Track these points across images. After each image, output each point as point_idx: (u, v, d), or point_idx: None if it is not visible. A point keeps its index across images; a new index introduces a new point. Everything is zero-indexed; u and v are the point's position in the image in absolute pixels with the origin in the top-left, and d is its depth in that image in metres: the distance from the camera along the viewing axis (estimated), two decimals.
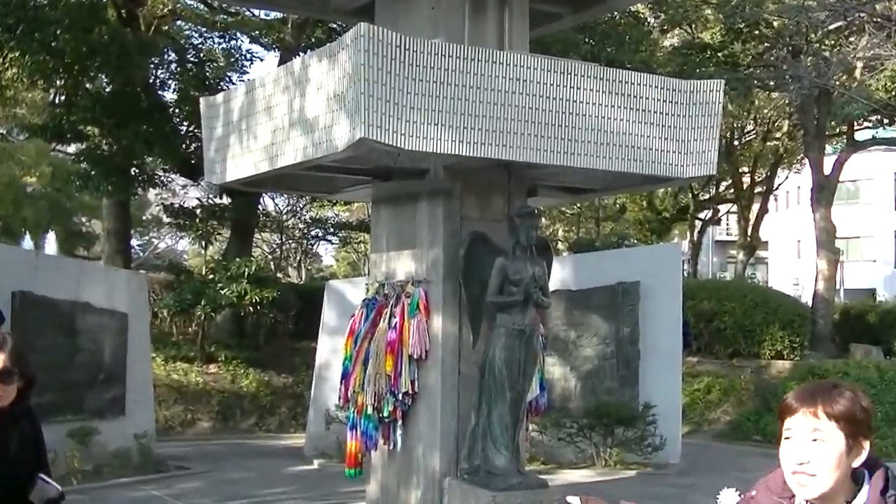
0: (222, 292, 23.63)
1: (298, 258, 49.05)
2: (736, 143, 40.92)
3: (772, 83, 29.65)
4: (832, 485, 3.11)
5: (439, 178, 10.56)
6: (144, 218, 52.74)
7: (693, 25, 31.67)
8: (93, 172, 23.74)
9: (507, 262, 10.12)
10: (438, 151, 9.01)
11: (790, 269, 60.91)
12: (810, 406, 3.15)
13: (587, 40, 24.87)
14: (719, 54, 29.20)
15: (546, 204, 20.44)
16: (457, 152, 9.06)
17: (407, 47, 8.80)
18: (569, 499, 3.62)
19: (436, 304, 10.52)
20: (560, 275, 18.08)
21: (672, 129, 10.09)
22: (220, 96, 11.72)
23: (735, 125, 39.67)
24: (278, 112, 10.07)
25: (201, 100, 12.11)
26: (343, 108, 8.86)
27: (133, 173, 25.83)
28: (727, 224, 68.42)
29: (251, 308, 24.53)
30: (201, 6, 28.42)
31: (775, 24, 28.64)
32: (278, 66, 25.45)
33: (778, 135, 39.99)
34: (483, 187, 10.67)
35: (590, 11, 13.15)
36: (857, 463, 3.13)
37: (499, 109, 9.16)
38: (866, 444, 3.14)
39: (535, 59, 9.49)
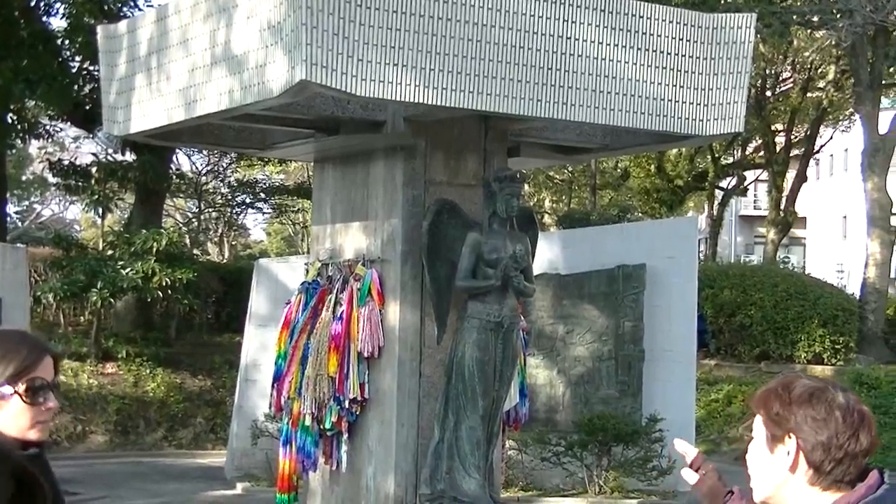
0: (124, 273, 23.57)
1: (220, 231, 48.99)
2: (769, 93, 41.13)
3: (815, 18, 29.78)
4: (769, 487, 3.40)
5: (399, 132, 10.62)
6: (24, 178, 52.58)
7: None
8: None
9: (481, 238, 10.19)
10: (398, 98, 9.05)
11: (833, 252, 61.34)
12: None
13: None
14: None
15: (531, 166, 20.53)
16: (421, 100, 9.10)
17: None
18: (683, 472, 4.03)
19: (392, 290, 10.59)
20: (547, 255, 18.15)
21: (690, 74, 10.17)
22: (122, 25, 11.72)
23: (768, 71, 39.88)
24: (197, 46, 10.07)
25: (99, 29, 12.09)
26: (279, 42, 8.88)
27: (10, 121, 25.69)
28: (755, 195, 68.86)
29: (160, 293, 24.49)
30: None
31: None
32: None
33: (821, 84, 40.18)
34: (453, 144, 10.73)
35: None
36: (786, 459, 3.34)
37: (473, 47, 9.21)
38: (791, 438, 3.35)
39: None
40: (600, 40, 9.73)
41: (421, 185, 10.57)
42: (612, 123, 9.95)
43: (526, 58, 9.41)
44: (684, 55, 10.08)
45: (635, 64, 9.88)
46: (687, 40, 10.11)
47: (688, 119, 10.19)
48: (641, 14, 9.95)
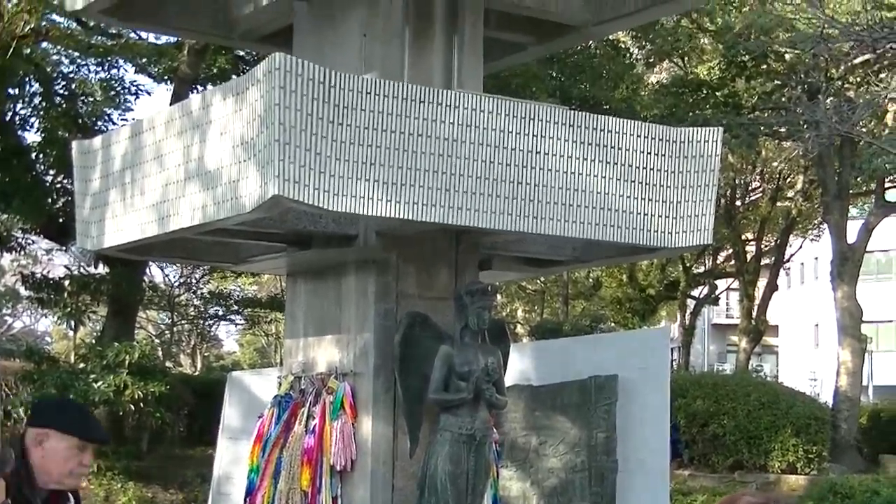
0: (95, 386, 23.48)
1: (193, 342, 48.91)
2: (738, 203, 41.48)
3: (783, 130, 30.18)
4: None
5: (371, 246, 10.65)
6: None
7: (686, 58, 32.26)
8: None
9: (453, 351, 10.21)
10: (369, 213, 9.10)
11: (806, 361, 61.48)
12: None
13: (555, 74, 25.25)
14: (718, 94, 29.79)
15: (503, 279, 20.60)
16: (392, 214, 9.16)
17: (332, 84, 8.92)
18: None
19: (365, 403, 10.57)
20: (519, 366, 18.10)
21: (658, 187, 10.27)
22: (97, 140, 11.75)
23: (738, 181, 40.29)
24: (171, 161, 10.13)
25: (74, 144, 12.12)
26: (252, 157, 8.95)
27: None
28: (727, 304, 69.13)
29: (132, 405, 24.39)
30: (74, 25, 28.43)
31: (787, 57, 29.26)
32: (171, 102, 25.59)
33: (790, 193, 40.62)
34: (425, 258, 10.78)
35: (558, 42, 13.37)
36: None
37: (445, 162, 9.30)
38: None
39: (491, 101, 9.65)
40: (569, 155, 9.85)
41: (393, 299, 10.60)
42: (581, 236, 10.02)
43: (496, 172, 9.51)
44: (652, 168, 10.20)
45: (604, 177, 9.99)
46: (655, 154, 10.23)
47: (656, 231, 10.28)
48: (609, 128, 10.08)
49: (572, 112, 10.15)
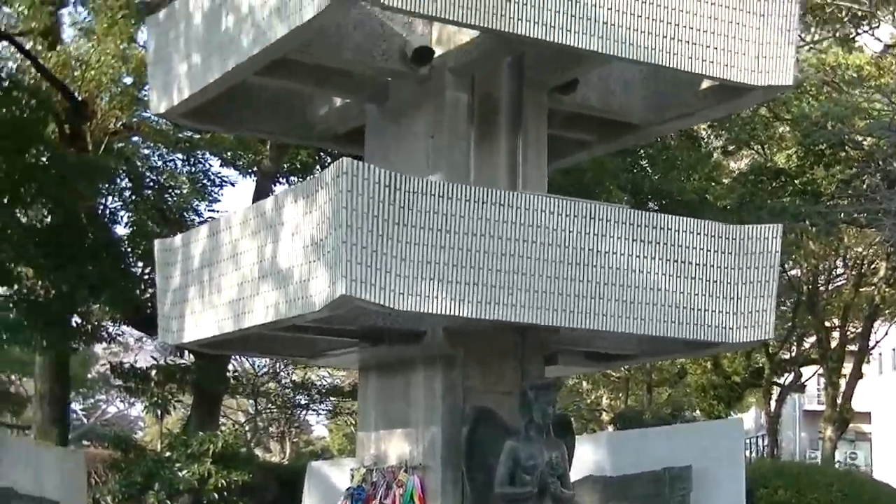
0: (181, 474, 23.71)
1: (281, 429, 49.08)
2: (822, 289, 41.09)
3: (862, 217, 30.02)
4: None
5: (438, 343, 10.89)
6: (90, 376, 52.99)
7: (765, 146, 32.29)
8: (24, 322, 23.99)
9: (518, 445, 10.39)
10: (436, 312, 9.36)
11: None
12: None
13: (631, 166, 25.39)
14: (797, 181, 29.70)
15: (568, 373, 20.72)
16: (458, 313, 9.42)
17: (398, 187, 9.23)
18: None
19: (434, 495, 10.76)
20: (593, 457, 18.16)
21: (719, 284, 10.46)
22: (178, 239, 12.15)
23: (820, 267, 39.94)
24: (246, 260, 10.48)
25: (156, 242, 12.58)
26: (321, 258, 9.25)
27: (74, 324, 26.17)
28: (818, 391, 68.19)
29: (216, 494, 24.55)
30: (163, 121, 28.96)
31: (865, 144, 29.18)
32: (254, 196, 26.03)
33: (874, 280, 40.17)
34: (490, 354, 11.01)
35: (621, 140, 13.61)
36: None
37: (508, 262, 9.56)
38: None
39: (553, 201, 9.91)
40: (631, 252, 10.08)
41: (460, 394, 10.81)
42: (643, 332, 10.20)
43: (559, 270, 9.76)
44: (711, 265, 10.39)
45: (665, 274, 10.20)
46: (713, 251, 10.43)
47: (717, 327, 10.45)
48: (670, 227, 10.30)
49: (632, 211, 10.39)
